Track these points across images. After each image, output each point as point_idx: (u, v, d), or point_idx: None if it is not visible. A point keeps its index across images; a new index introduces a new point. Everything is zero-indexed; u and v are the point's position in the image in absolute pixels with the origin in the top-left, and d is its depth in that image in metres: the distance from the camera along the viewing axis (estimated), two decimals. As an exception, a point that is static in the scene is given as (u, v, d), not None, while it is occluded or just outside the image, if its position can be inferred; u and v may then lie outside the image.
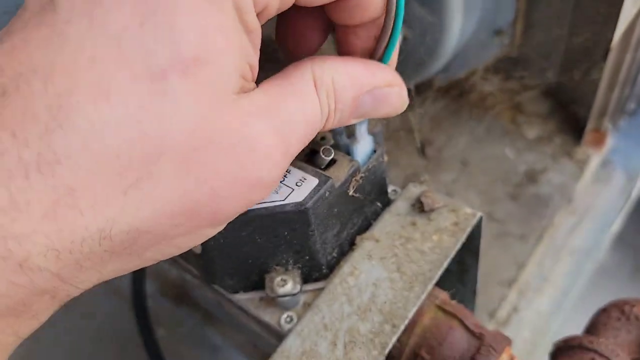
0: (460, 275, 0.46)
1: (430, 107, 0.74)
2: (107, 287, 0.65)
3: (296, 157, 0.31)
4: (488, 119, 0.74)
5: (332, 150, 0.35)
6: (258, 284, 0.39)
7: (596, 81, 0.65)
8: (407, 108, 0.31)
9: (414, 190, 0.41)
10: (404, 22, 0.32)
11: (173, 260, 0.45)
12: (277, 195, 0.34)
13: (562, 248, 0.65)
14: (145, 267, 0.43)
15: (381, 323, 0.35)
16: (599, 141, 0.70)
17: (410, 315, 0.35)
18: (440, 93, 0.76)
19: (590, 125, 0.69)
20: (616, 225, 0.68)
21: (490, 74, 0.76)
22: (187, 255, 0.40)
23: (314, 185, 0.34)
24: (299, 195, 0.34)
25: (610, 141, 0.71)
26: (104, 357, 0.61)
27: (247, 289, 0.39)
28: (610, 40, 0.58)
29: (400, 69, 0.31)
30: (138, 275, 0.54)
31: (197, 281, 0.46)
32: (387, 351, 0.34)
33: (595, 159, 0.69)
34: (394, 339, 0.34)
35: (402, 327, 0.34)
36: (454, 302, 0.40)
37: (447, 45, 0.57)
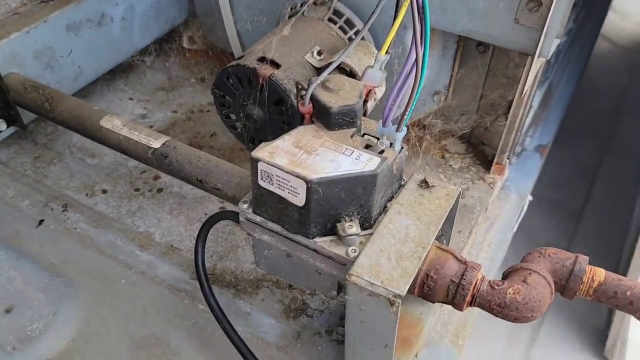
0: (439, 236, 0.70)
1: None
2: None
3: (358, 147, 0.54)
4: (426, 157, 1.02)
5: (383, 143, 0.59)
6: (329, 231, 0.60)
7: (500, 129, 0.95)
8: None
9: (417, 176, 0.65)
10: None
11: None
12: (356, 166, 0.56)
13: (483, 241, 0.92)
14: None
15: (415, 246, 0.57)
16: (501, 171, 0.99)
17: (432, 241, 0.58)
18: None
19: (495, 160, 0.99)
20: (515, 226, 0.98)
21: (422, 124, 1.05)
22: (279, 216, 0.60)
23: (378, 162, 0.57)
24: (370, 167, 0.56)
25: (507, 171, 1.01)
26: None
27: (322, 235, 0.60)
28: (512, 99, 0.89)
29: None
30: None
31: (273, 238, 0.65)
32: (421, 262, 0.56)
33: (499, 183, 0.99)
34: (424, 254, 0.57)
35: (428, 248, 0.57)
36: (443, 244, 0.64)
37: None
